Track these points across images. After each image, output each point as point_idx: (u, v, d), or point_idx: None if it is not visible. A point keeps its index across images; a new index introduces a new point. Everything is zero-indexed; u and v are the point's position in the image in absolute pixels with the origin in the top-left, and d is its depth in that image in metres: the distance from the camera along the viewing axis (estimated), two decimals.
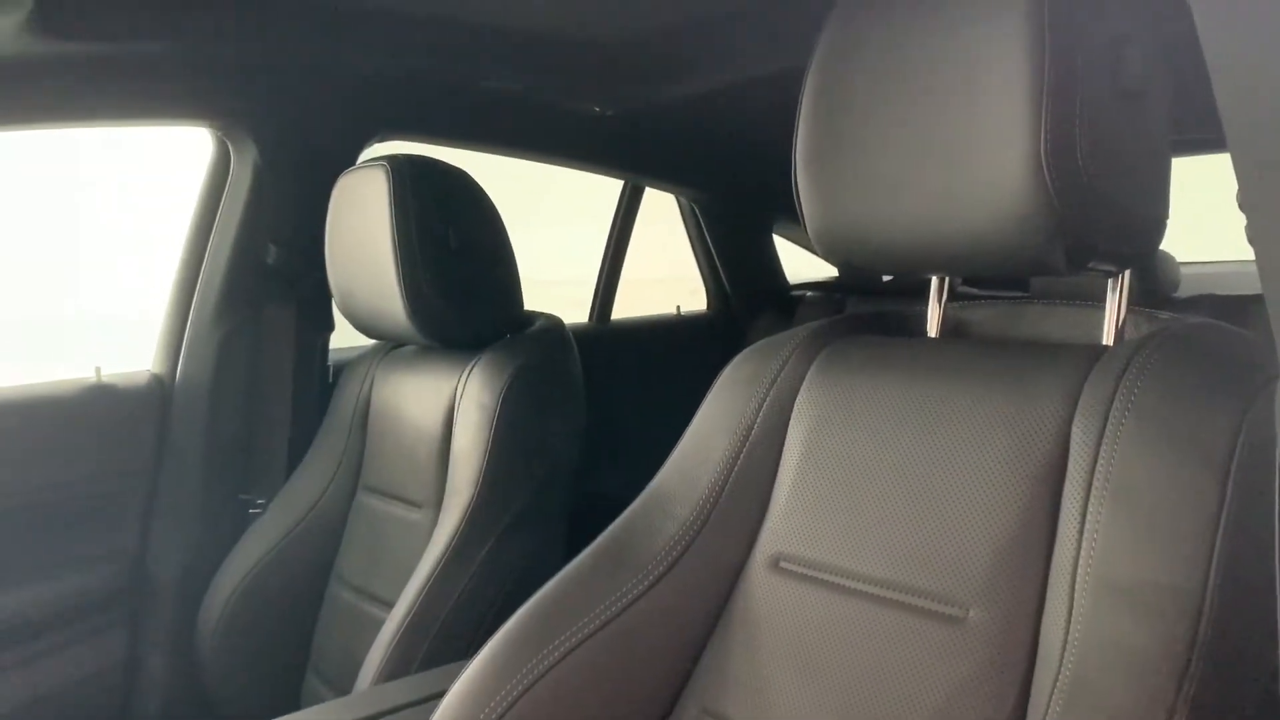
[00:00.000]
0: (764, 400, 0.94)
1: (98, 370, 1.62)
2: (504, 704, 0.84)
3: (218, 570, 1.58)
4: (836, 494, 0.86)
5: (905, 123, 0.78)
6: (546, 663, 0.86)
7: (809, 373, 0.94)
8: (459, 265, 1.42)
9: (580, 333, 1.63)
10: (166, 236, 1.74)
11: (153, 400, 1.67)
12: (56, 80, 1.36)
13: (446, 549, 1.29)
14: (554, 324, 1.52)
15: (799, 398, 0.93)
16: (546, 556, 1.35)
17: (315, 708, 1.07)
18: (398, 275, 1.37)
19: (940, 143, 0.76)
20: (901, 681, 0.76)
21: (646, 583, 0.90)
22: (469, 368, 1.41)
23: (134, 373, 1.68)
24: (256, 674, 1.54)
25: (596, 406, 1.55)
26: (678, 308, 2.70)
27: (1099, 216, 0.75)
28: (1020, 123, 0.71)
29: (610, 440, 1.80)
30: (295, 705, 1.50)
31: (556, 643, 0.87)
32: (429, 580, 1.27)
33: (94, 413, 1.60)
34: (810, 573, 0.85)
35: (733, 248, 2.70)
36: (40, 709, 1.49)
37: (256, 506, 1.69)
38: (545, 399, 1.41)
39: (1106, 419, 0.73)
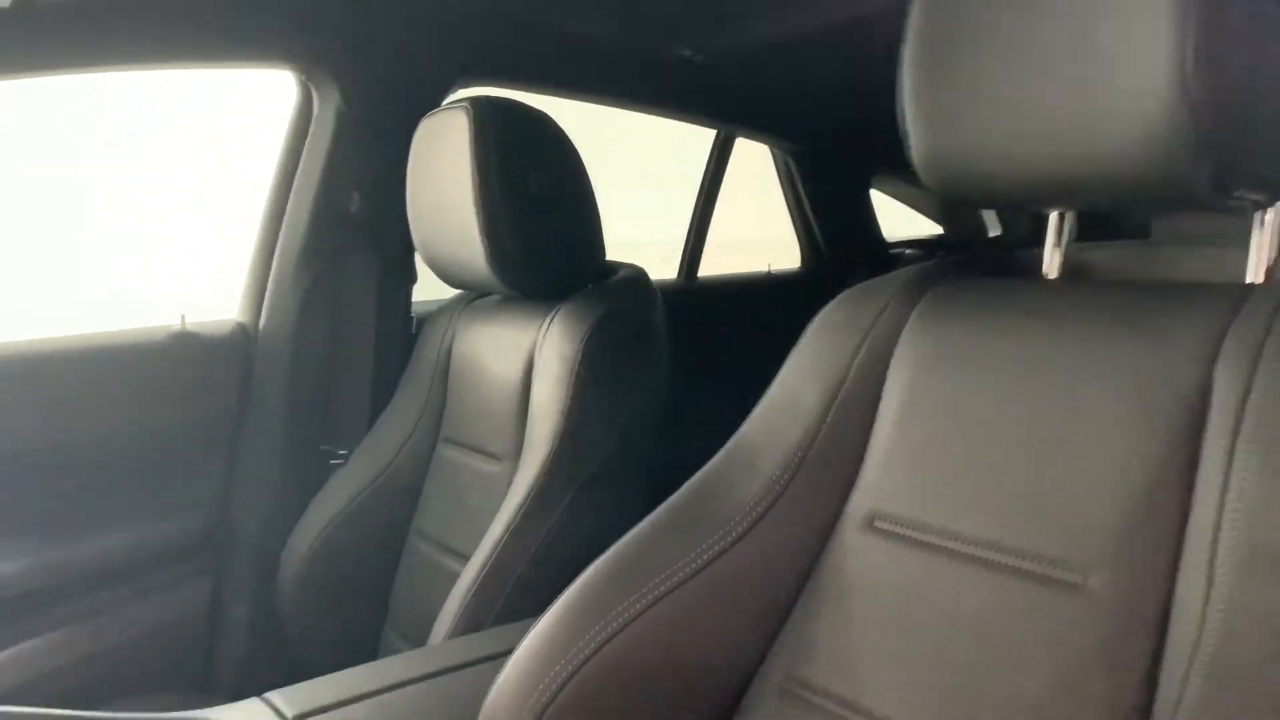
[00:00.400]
0: (860, 346, 0.87)
1: (183, 318, 1.62)
2: (573, 663, 0.79)
3: (298, 521, 1.57)
4: (940, 448, 0.78)
5: (1024, 37, 0.69)
6: (618, 622, 0.81)
7: (912, 316, 0.86)
8: (540, 211, 1.36)
9: (666, 289, 1.57)
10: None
11: (236, 349, 1.66)
12: (134, 22, 1.35)
13: (524, 502, 1.25)
14: (637, 274, 1.46)
15: (900, 342, 0.85)
16: (625, 514, 1.29)
17: (383, 660, 1.04)
18: (478, 220, 1.32)
19: (1064, 55, 0.67)
20: (1009, 654, 0.69)
21: (728, 540, 0.84)
22: (549, 318, 1.36)
23: (218, 321, 1.68)
24: (334, 626, 1.53)
25: (681, 368, 1.49)
26: (769, 266, 2.62)
27: (1250, 137, 0.66)
28: (1160, 25, 0.62)
29: (695, 404, 1.74)
30: (372, 658, 1.49)
31: (630, 601, 0.82)
32: (505, 534, 1.23)
33: (179, 361, 1.60)
34: (909, 533, 0.78)
35: (829, 202, 2.60)
36: (127, 654, 1.51)
37: (338, 458, 1.67)
38: (627, 350, 1.35)
39: (1256, 365, 0.64)
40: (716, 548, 0.84)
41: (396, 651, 1.43)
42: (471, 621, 1.21)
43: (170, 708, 1.45)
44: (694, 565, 0.83)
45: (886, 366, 0.85)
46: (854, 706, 0.76)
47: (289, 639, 1.55)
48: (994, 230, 2.84)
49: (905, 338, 0.85)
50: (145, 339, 1.59)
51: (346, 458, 1.63)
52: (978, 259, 0.93)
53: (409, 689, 0.97)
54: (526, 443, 1.33)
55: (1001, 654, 0.69)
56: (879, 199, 2.74)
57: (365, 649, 1.52)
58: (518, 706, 0.80)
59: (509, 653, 0.85)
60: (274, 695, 0.96)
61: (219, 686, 1.61)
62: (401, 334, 1.76)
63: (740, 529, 0.84)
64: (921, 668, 0.73)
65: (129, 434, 1.56)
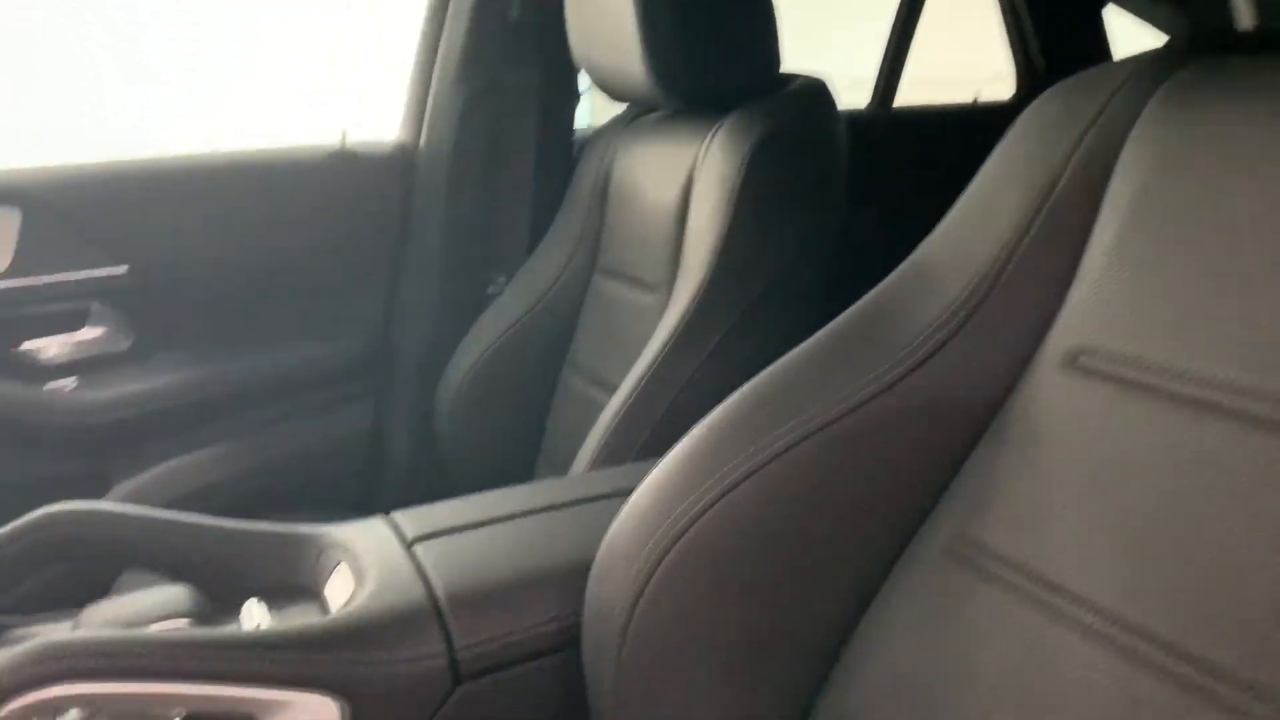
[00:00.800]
0: (1079, 142, 0.69)
1: (343, 135, 1.57)
2: (696, 507, 0.69)
3: (456, 349, 1.53)
4: (1178, 268, 0.61)
5: None
6: (755, 461, 0.69)
7: (1149, 105, 0.67)
8: (705, 8, 1.20)
9: (854, 116, 1.38)
10: None
11: (396, 169, 1.61)
12: None
13: (674, 332, 1.14)
14: (815, 85, 1.28)
15: (1131, 138, 0.67)
16: (785, 351, 1.17)
17: (514, 488, 0.98)
18: (637, 19, 1.18)
19: None
20: (1248, 531, 0.53)
21: (896, 372, 0.70)
22: (711, 134, 1.22)
23: (379, 141, 1.62)
24: (490, 456, 1.50)
25: (866, 204, 1.32)
26: (974, 96, 2.34)
27: None
28: None
29: (878, 246, 1.57)
30: None
31: (771, 437, 0.70)
32: (653, 365, 1.13)
33: (339, 180, 1.56)
34: (1124, 372, 0.61)
35: (1053, 17, 2.27)
36: (287, 472, 1.54)
37: (496, 285, 1.61)
38: (796, 170, 1.19)
39: None
40: (882, 380, 0.70)
41: None
42: (613, 455, 1.13)
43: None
44: (851, 400, 0.70)
45: (1112, 167, 0.67)
46: (1034, 575, 0.62)
47: (446, 467, 1.53)
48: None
49: (1139, 131, 0.67)
50: (306, 157, 1.55)
51: (504, 286, 1.57)
52: (1237, 34, 0.72)
53: (534, 518, 0.89)
54: (681, 269, 1.21)
55: (1234, 531, 0.53)
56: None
57: (519, 480, 1.48)
58: (633, 552, 0.70)
59: None
60: (399, 515, 0.91)
61: (374, 510, 1.62)
62: (563, 156, 1.65)
63: (912, 360, 0.70)
64: (1121, 535, 0.58)
65: (290, 253, 1.54)
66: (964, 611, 0.65)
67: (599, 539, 0.76)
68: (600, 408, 1.29)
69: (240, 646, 0.70)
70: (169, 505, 1.45)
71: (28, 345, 1.42)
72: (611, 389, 1.30)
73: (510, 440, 1.49)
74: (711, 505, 0.69)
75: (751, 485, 0.69)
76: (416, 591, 0.79)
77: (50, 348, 1.44)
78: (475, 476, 1.51)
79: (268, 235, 1.51)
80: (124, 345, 1.49)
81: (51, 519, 0.82)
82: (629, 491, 0.77)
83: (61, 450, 1.42)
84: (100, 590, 0.84)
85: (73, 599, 0.82)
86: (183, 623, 0.77)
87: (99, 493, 1.43)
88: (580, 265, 1.47)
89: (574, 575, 0.80)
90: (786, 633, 0.71)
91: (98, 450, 1.44)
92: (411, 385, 1.61)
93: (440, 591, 0.79)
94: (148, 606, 0.78)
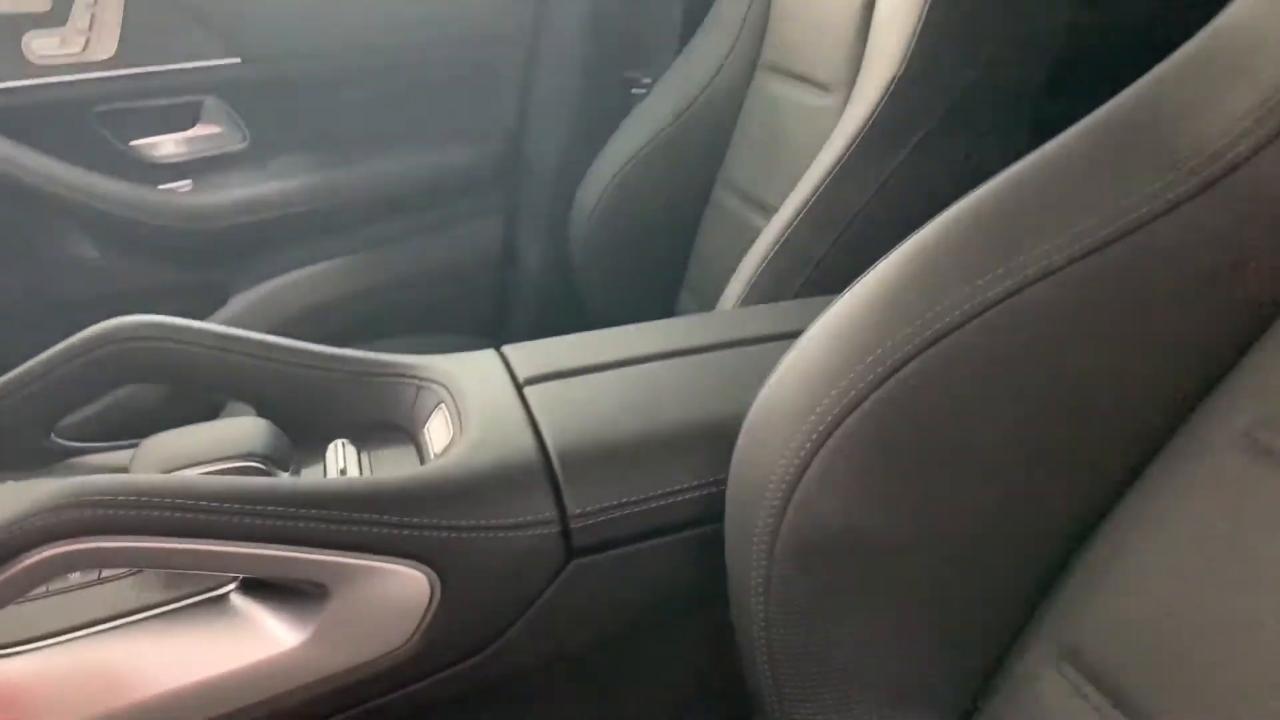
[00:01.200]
0: None
1: None
2: (901, 352, 0.51)
3: (594, 159, 1.35)
4: None
5: None
6: (982, 298, 0.50)
7: None
8: None
9: None
10: None
11: None
12: None
13: (852, 144, 0.93)
14: None
15: None
16: (989, 171, 0.95)
17: (644, 325, 0.81)
18: None
19: None
20: None
21: (1187, 187, 0.49)
22: None
23: None
24: (627, 282, 1.34)
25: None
26: None
27: None
28: None
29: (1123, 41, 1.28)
30: None
31: (1004, 269, 0.50)
32: (824, 182, 0.93)
33: None
34: None
35: None
36: (409, 294, 1.43)
37: (641, 86, 1.41)
38: None
39: None
40: (1159, 199, 0.49)
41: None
42: (767, 290, 0.94)
43: (449, 350, 1.37)
44: (1114, 225, 0.50)
45: None
46: None
47: (580, 293, 1.38)
48: None
49: None
50: None
51: (650, 87, 1.36)
52: None
53: (672, 363, 0.73)
54: (864, 67, 0.99)
55: None
56: None
57: (658, 312, 1.32)
58: (798, 414, 0.53)
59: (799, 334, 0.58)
60: (512, 350, 0.77)
61: (502, 337, 1.50)
62: None
63: (1210, 170, 0.49)
64: None
65: (415, 48, 1.38)
66: (1270, 518, 0.46)
67: (750, 393, 0.59)
68: (754, 232, 1.10)
69: (313, 502, 0.57)
70: (282, 324, 1.38)
71: (138, 143, 1.33)
72: (771, 211, 1.11)
73: (651, 266, 1.32)
74: (912, 358, 0.50)
75: (969, 335, 0.50)
76: (525, 445, 0.64)
77: (162, 145, 1.35)
78: (610, 305, 1.36)
79: (392, 29, 1.35)
80: (239, 146, 1.38)
81: (111, 335, 0.70)
82: (790, 335, 0.60)
83: (174, 259, 1.34)
84: (181, 421, 0.73)
85: (147, 428, 0.72)
86: (254, 465, 0.66)
87: (213, 308, 1.34)
88: (739, 62, 1.25)
89: (717, 437, 0.64)
90: (995, 538, 0.53)
91: (211, 260, 1.36)
92: (544, 199, 1.45)
93: (554, 446, 0.64)
94: (212, 443, 0.66)
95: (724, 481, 0.60)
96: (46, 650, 0.56)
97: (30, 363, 0.72)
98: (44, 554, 0.51)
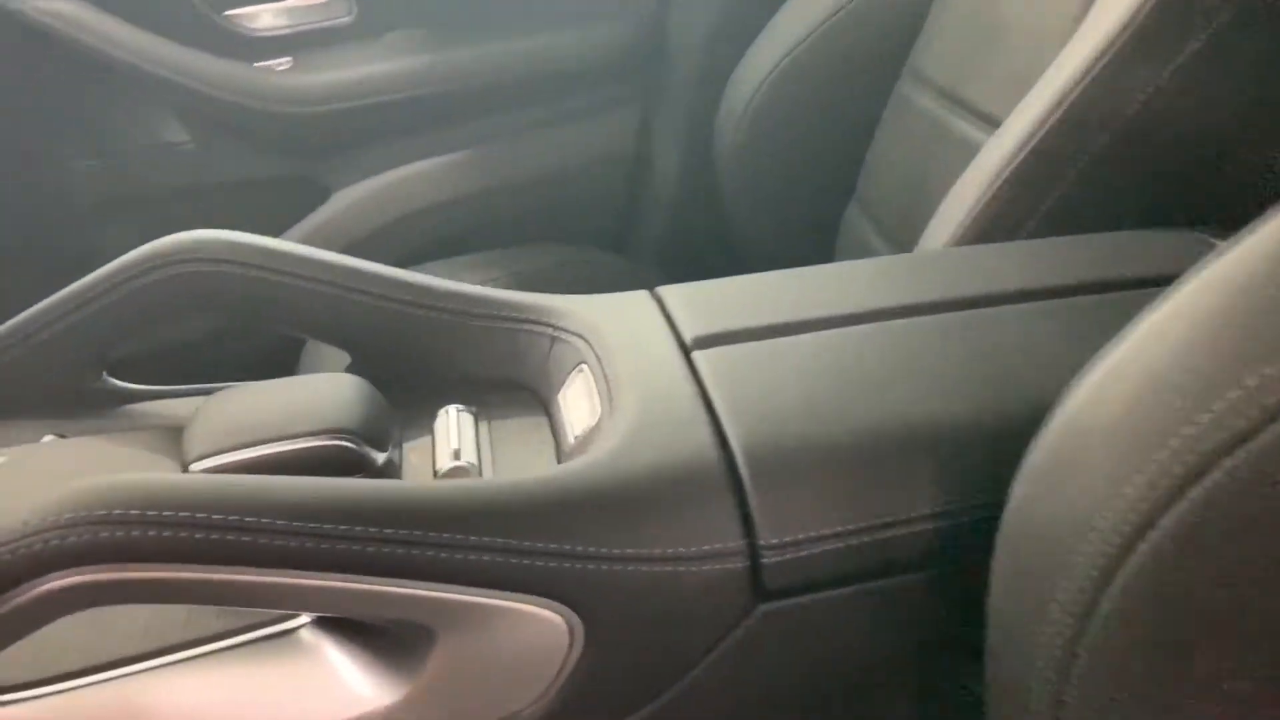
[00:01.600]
0: None
1: None
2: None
3: (748, 49, 1.14)
4: None
5: None
6: None
7: None
8: None
9: None
10: None
11: None
12: None
13: (1117, 36, 0.70)
14: None
15: None
16: None
17: (837, 266, 0.63)
18: None
19: None
20: None
21: None
22: None
23: None
24: (785, 200, 1.15)
25: None
26: None
27: None
28: None
29: None
30: (828, 254, 1.11)
31: None
32: (1074, 87, 0.71)
33: None
34: None
35: None
36: (532, 194, 1.29)
37: None
38: None
39: None
40: None
41: (866, 248, 1.02)
42: (994, 224, 0.74)
43: (572, 265, 1.20)
44: None
45: None
46: None
47: (725, 205, 1.19)
48: None
49: None
50: None
51: None
52: None
53: (891, 327, 0.54)
54: None
55: None
56: None
57: (818, 232, 1.12)
58: (1112, 467, 0.34)
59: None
60: (672, 295, 0.59)
61: (635, 253, 1.33)
62: None
63: None
64: None
65: None
66: None
67: (1025, 381, 0.40)
68: (961, 143, 0.89)
69: (419, 516, 0.41)
70: (384, 227, 1.23)
71: (233, 13, 1.19)
72: (982, 116, 0.89)
73: (814, 182, 1.12)
74: None
75: None
76: (701, 441, 0.47)
77: (260, 16, 1.21)
78: (759, 221, 1.17)
79: None
80: (345, 19, 1.24)
81: (167, 255, 0.55)
82: (1061, 291, 0.40)
83: (270, 147, 1.21)
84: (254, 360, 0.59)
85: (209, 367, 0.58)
86: (344, 445, 0.50)
87: (311, 205, 1.20)
88: None
89: (978, 443, 0.46)
90: None
91: (309, 150, 1.23)
92: (688, 90, 1.25)
93: (742, 445, 0.47)
94: (294, 409, 0.51)
95: (991, 507, 0.42)
96: (70, 694, 0.42)
97: (72, 287, 0.58)
98: (44, 587, 0.37)
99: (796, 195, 1.14)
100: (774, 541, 0.45)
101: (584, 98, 1.30)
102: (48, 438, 0.57)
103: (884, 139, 1.06)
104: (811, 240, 1.13)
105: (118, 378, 0.61)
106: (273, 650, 0.44)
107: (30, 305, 0.58)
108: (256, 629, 0.44)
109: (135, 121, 1.18)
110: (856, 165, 1.10)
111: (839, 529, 0.46)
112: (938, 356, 0.52)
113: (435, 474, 0.52)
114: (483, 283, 1.09)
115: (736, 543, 0.45)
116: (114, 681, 0.43)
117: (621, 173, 1.32)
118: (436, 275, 0.60)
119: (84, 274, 0.58)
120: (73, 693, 0.42)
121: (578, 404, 0.54)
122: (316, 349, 0.91)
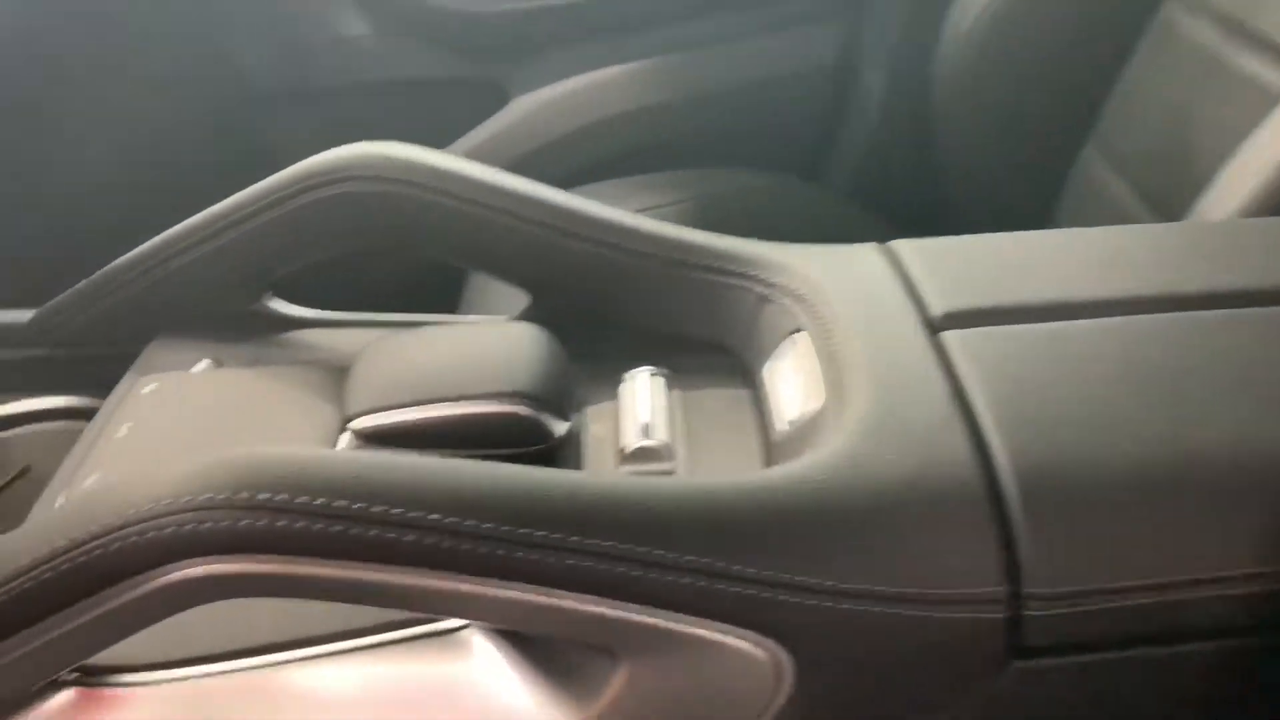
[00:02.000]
0: None
1: None
2: None
3: None
4: None
5: None
6: None
7: None
8: None
9: None
10: None
11: None
12: None
13: None
14: None
15: None
16: None
17: (1135, 228, 0.51)
18: None
19: None
20: None
21: None
22: None
23: None
24: (1006, 124, 1.01)
25: None
26: None
27: None
28: None
29: None
30: (1047, 196, 0.98)
31: None
32: None
33: None
34: None
35: None
36: (722, 110, 1.18)
37: None
38: None
39: None
40: None
41: (1113, 205, 0.87)
42: None
43: (758, 192, 1.10)
44: None
45: None
46: None
47: (934, 133, 1.07)
48: None
49: None
50: None
51: None
52: None
53: (1203, 319, 0.43)
54: None
55: None
56: None
57: (1044, 184, 0.99)
58: None
59: None
60: (910, 252, 0.49)
61: (827, 182, 1.22)
62: None
63: None
64: None
65: None
66: None
67: None
68: (1249, 85, 0.75)
69: (598, 523, 0.34)
70: (564, 138, 1.15)
71: None
72: (1278, 52, 0.74)
73: (1048, 114, 0.98)
74: None
75: None
76: (956, 455, 0.38)
77: None
78: (974, 156, 1.04)
79: None
80: None
81: (329, 172, 0.49)
82: None
83: (449, 45, 1.15)
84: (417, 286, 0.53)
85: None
86: (522, 412, 0.43)
87: (489, 110, 1.14)
88: None
89: None
90: None
91: (490, 52, 1.15)
92: (900, 5, 1.11)
93: (1011, 465, 0.37)
94: (467, 363, 0.44)
95: None
96: (203, 679, 0.37)
97: (235, 197, 0.52)
98: (172, 576, 0.31)
99: (1022, 132, 1.01)
100: (1044, 593, 0.36)
101: (784, 4, 1.18)
102: (203, 363, 0.52)
103: (1140, 75, 0.91)
104: (1032, 185, 1.00)
105: (280, 299, 0.56)
106: (428, 651, 0.38)
107: (203, 203, 0.54)
108: (412, 625, 0.38)
109: (314, 12, 1.14)
110: (1099, 104, 0.96)
111: (1128, 584, 0.36)
112: (1266, 365, 0.40)
113: (621, 453, 0.44)
114: (660, 206, 1.02)
115: (997, 588, 0.36)
116: (253, 671, 0.37)
117: (820, 92, 1.20)
118: (610, 195, 0.53)
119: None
120: (202, 680, 0.37)
121: (791, 382, 0.45)
122: (485, 283, 0.85)
